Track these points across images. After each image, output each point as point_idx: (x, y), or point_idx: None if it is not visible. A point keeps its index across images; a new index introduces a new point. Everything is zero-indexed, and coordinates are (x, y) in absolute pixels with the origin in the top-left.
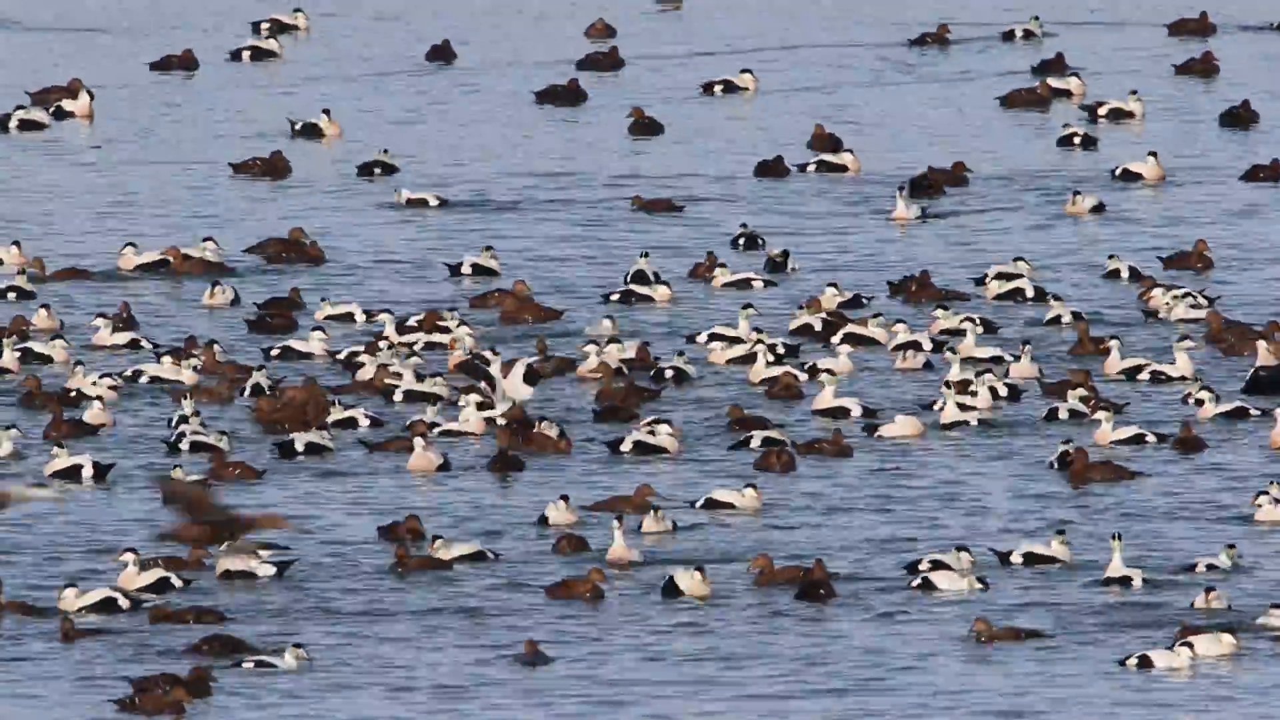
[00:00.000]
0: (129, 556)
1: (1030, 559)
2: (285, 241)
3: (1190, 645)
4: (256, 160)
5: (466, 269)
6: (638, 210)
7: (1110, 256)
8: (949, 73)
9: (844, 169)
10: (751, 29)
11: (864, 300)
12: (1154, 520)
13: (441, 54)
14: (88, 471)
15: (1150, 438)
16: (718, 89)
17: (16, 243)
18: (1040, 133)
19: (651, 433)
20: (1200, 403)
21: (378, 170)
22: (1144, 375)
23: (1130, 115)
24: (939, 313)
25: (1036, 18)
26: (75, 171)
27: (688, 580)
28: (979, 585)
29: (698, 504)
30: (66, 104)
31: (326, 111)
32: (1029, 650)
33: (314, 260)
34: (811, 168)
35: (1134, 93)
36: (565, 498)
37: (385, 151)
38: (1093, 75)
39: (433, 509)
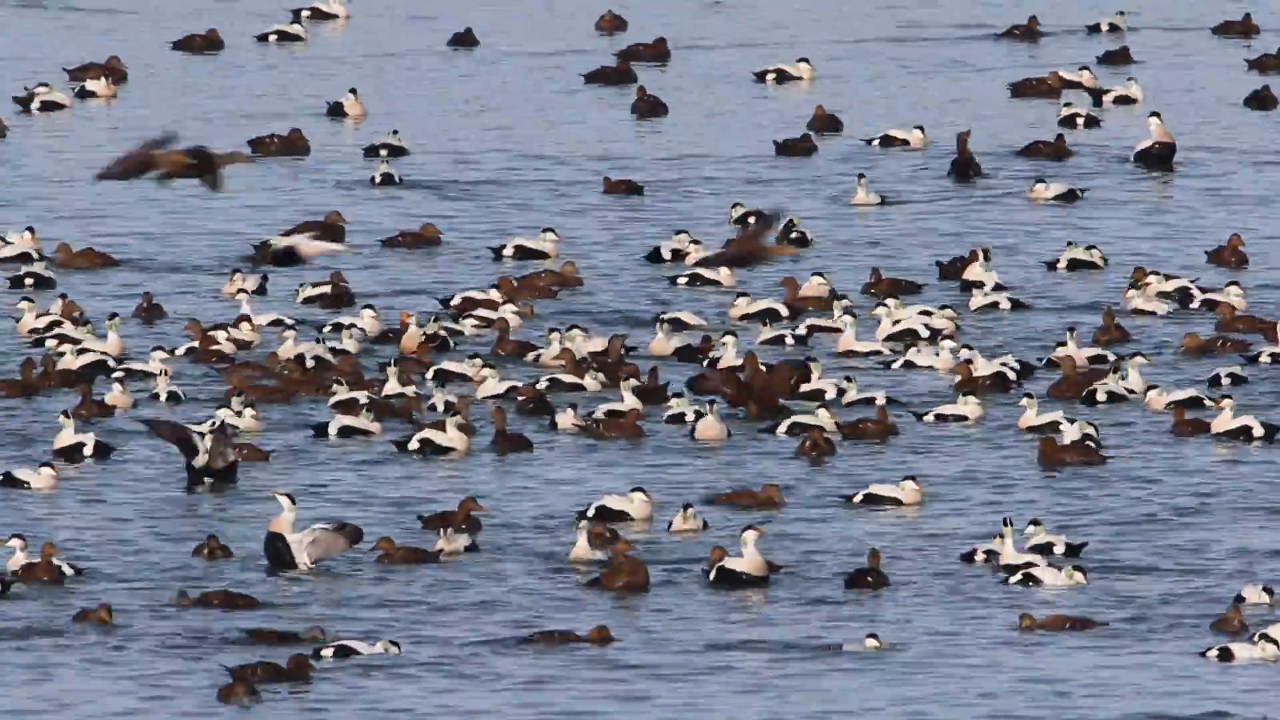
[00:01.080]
0: (15, 543)
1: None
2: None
3: (1271, 638)
4: (274, 138)
5: (509, 251)
6: (605, 193)
7: (1069, 244)
8: (1020, 63)
9: (906, 143)
10: (813, 19)
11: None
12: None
13: (464, 40)
14: (88, 450)
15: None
16: (770, 77)
17: (30, 229)
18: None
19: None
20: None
21: (384, 152)
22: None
23: (1133, 101)
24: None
25: (1122, 12)
26: (85, 153)
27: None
28: (1080, 578)
29: (856, 498)
30: (90, 84)
31: (353, 91)
32: (1089, 639)
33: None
34: (876, 142)
35: (1132, 79)
36: (688, 506)
37: (395, 133)
38: (1163, 69)
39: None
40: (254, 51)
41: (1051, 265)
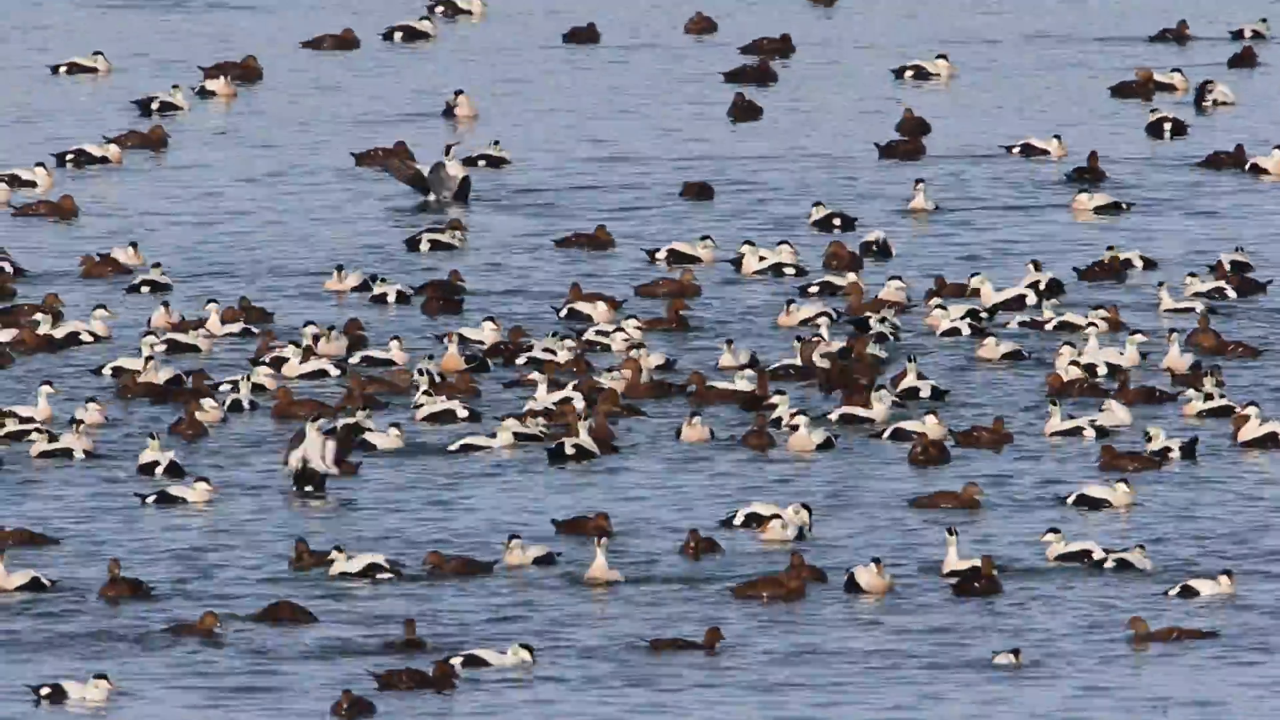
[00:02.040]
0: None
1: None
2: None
3: None
4: (378, 150)
5: (661, 254)
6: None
7: (1109, 247)
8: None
9: (1046, 153)
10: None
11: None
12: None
13: (581, 36)
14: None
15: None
16: (908, 74)
17: (134, 243)
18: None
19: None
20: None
21: (482, 163)
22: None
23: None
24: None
25: (1264, 19)
26: (184, 167)
27: (866, 576)
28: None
29: (1070, 499)
30: (209, 84)
31: (460, 92)
32: (1195, 649)
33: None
34: (1016, 150)
35: (1211, 81)
36: (878, 560)
37: (496, 144)
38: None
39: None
40: (381, 49)
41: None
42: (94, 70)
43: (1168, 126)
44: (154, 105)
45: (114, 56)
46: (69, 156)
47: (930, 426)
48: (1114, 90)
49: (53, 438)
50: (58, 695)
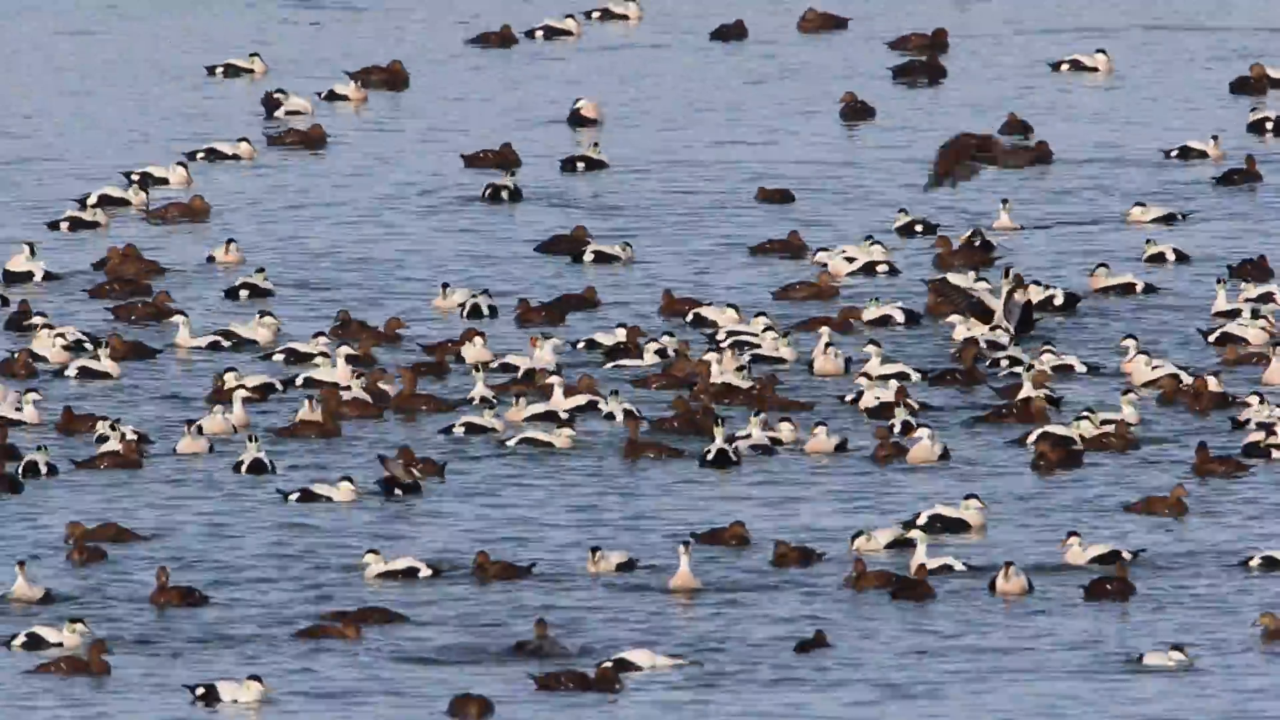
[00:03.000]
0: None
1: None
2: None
3: None
4: (487, 153)
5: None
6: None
7: (1148, 241)
8: None
9: (1204, 154)
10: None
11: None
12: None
13: (728, 33)
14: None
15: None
16: (1065, 67)
17: (231, 240)
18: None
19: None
20: None
21: (581, 165)
22: None
23: None
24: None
25: None
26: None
27: (1003, 581)
28: None
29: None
30: (339, 88)
31: (581, 98)
32: None
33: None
34: (1175, 154)
35: None
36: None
37: (595, 146)
38: None
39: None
40: (525, 49)
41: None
42: (250, 71)
43: (1269, 126)
44: (279, 112)
45: (275, 58)
46: (200, 154)
47: (1084, 429)
48: (1232, 86)
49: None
50: (210, 696)
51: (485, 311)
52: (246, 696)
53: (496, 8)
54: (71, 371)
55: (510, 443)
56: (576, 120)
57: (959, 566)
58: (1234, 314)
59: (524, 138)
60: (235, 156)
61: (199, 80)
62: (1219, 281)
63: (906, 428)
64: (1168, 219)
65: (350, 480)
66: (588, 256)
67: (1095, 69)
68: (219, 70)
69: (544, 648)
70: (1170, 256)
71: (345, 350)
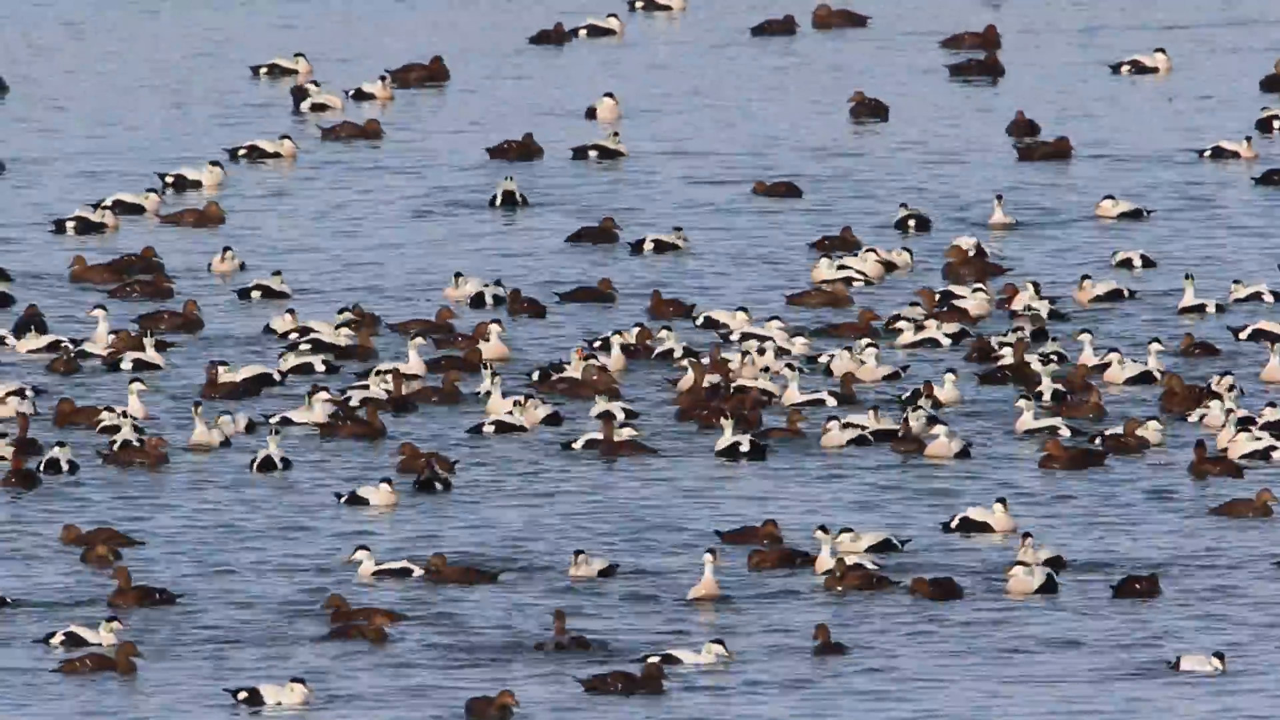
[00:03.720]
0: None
1: None
2: None
3: None
4: (510, 143)
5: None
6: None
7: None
8: None
9: (1237, 155)
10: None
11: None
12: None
13: (775, 28)
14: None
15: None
16: (1125, 69)
17: (228, 248)
18: None
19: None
20: None
21: (594, 154)
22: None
23: None
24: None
25: None
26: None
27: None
28: None
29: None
30: (366, 86)
31: (610, 95)
32: None
33: None
34: (1207, 153)
35: None
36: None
37: (615, 136)
38: None
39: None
40: (568, 46)
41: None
42: (294, 72)
43: (1277, 124)
44: (305, 104)
45: (322, 55)
46: (241, 152)
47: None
48: (1263, 84)
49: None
50: (254, 699)
51: (490, 301)
52: (291, 699)
53: (547, 5)
54: (127, 364)
55: (577, 445)
56: (593, 117)
57: (870, 566)
58: (1200, 309)
59: (545, 136)
60: (277, 154)
61: (244, 80)
62: (1187, 277)
63: (932, 421)
64: (1135, 214)
65: (389, 482)
66: (648, 246)
67: (1155, 69)
68: (263, 71)
69: (563, 643)
70: (1138, 262)
71: (419, 341)
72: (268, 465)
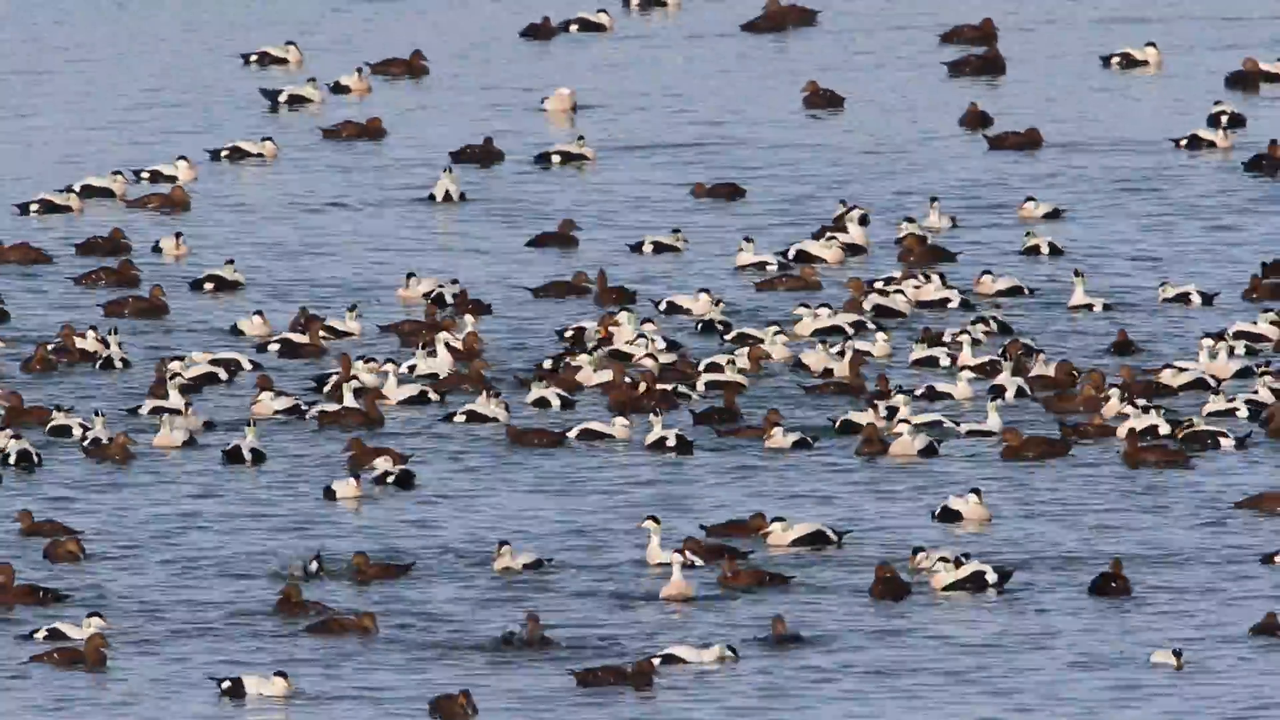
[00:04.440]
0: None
1: None
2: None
3: None
4: (471, 148)
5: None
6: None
7: (1028, 234)
8: None
9: (1213, 145)
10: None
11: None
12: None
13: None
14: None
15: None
16: (1115, 62)
17: (178, 234)
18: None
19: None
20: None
21: (556, 159)
22: None
23: None
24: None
25: None
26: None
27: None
28: None
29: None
30: (344, 79)
31: (566, 89)
32: None
33: None
34: (1184, 142)
35: None
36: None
37: (580, 140)
38: None
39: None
40: (560, 40)
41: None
42: (284, 61)
43: (1223, 120)
44: (282, 98)
45: (315, 46)
46: (224, 153)
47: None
48: (1228, 80)
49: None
50: (236, 690)
51: (450, 301)
52: (273, 691)
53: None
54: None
55: (571, 435)
56: (543, 113)
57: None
58: (1089, 308)
59: (505, 130)
60: (260, 155)
61: (235, 67)
62: (1076, 274)
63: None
64: (1054, 214)
65: (356, 479)
66: (647, 248)
67: (1146, 62)
68: (253, 59)
69: (530, 640)
70: (1045, 250)
71: (445, 337)
72: (236, 456)
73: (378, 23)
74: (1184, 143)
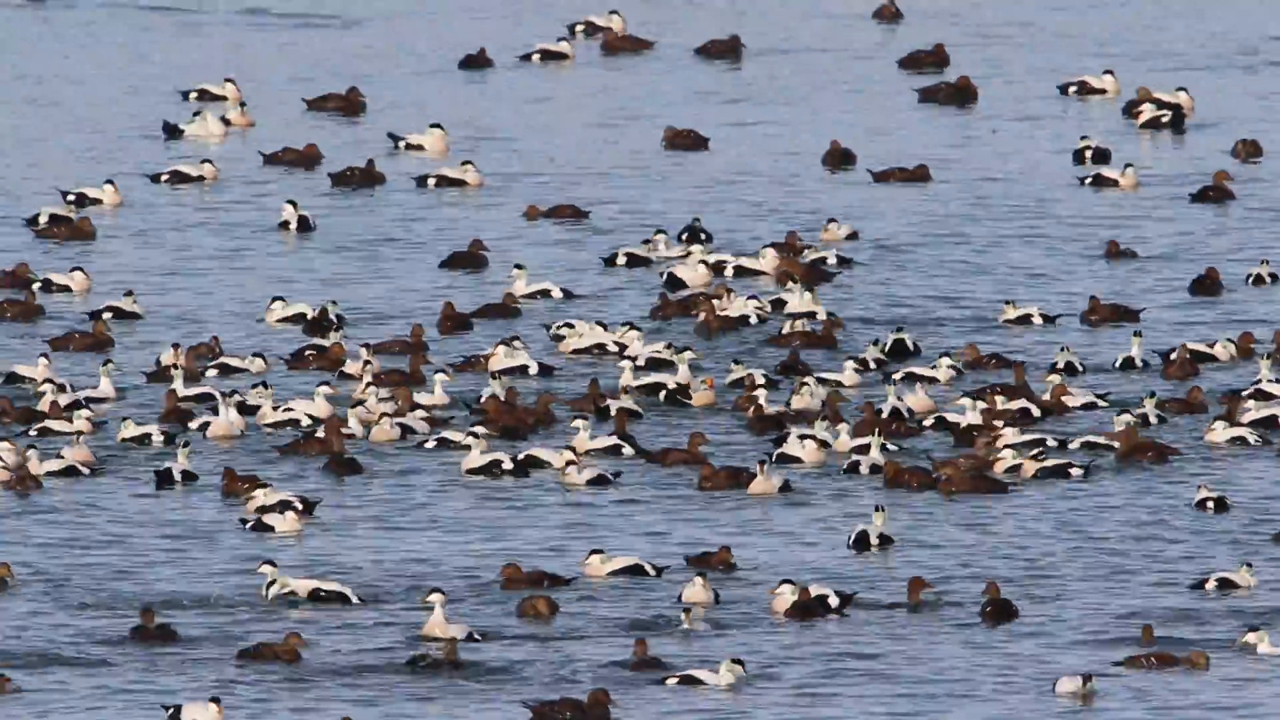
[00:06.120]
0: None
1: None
2: None
3: None
4: (353, 170)
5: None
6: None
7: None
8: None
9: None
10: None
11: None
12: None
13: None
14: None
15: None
16: (1072, 90)
17: (79, 268)
18: None
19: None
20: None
21: (432, 183)
22: None
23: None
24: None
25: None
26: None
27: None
28: None
29: None
30: (230, 113)
31: (438, 125)
32: None
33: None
34: (1089, 180)
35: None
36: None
37: (466, 165)
38: None
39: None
40: (518, 72)
41: None
42: (223, 99)
43: (1088, 155)
44: (180, 129)
45: (260, 80)
46: (164, 176)
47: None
48: (1125, 109)
49: None
50: (174, 717)
51: (335, 320)
52: (206, 718)
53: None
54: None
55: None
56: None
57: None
58: (1027, 319)
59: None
60: (200, 178)
61: (174, 104)
62: (1007, 303)
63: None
64: (853, 235)
65: (295, 509)
66: (620, 260)
67: (1104, 90)
68: (193, 95)
69: (442, 662)
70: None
71: (440, 376)
72: (166, 479)
73: (319, 54)
74: (1090, 180)
